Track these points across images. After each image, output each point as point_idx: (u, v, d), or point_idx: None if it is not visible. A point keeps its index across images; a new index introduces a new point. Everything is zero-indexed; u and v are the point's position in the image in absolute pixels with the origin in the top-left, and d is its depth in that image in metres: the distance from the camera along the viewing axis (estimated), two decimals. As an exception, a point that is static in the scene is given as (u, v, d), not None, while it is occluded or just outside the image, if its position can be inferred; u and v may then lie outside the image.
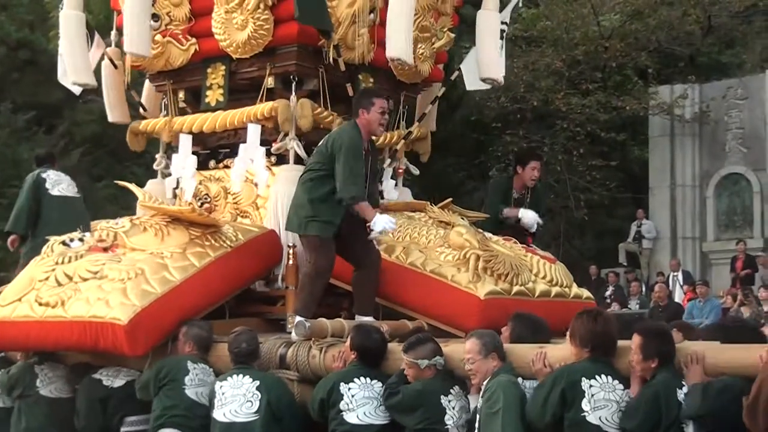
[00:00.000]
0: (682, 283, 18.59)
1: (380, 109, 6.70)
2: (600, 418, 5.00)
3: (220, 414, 5.99)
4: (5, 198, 16.21)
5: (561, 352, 5.29)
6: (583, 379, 5.04)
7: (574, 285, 7.27)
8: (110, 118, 8.57)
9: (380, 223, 6.44)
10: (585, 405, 5.00)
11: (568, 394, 5.02)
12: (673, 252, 20.57)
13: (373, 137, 6.88)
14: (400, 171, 8.23)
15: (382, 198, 7.51)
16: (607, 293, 18.91)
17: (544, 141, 21.16)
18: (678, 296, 18.17)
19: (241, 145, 7.35)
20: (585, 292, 7.37)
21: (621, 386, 5.09)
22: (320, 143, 6.73)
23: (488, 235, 7.22)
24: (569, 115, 20.71)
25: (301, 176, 6.75)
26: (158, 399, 6.25)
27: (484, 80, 8.08)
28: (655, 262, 20.80)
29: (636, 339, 5.03)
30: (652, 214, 21.18)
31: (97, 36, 8.21)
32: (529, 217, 8.26)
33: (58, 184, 8.92)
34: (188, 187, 7.62)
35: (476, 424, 5.29)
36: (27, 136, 18.22)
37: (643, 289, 19.19)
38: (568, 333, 5.35)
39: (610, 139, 21.30)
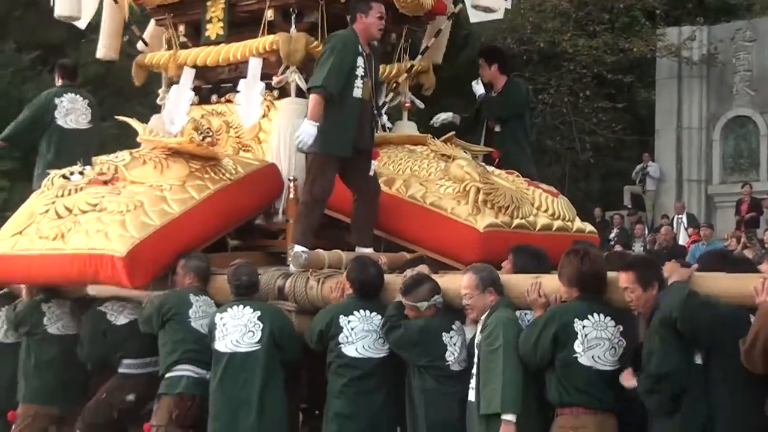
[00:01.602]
0: (686, 226, 18.57)
1: (378, 13, 6.62)
2: (593, 357, 5.00)
3: (221, 345, 6.01)
4: (11, 138, 16.19)
5: (556, 282, 5.27)
6: (576, 320, 5.03)
7: (577, 219, 7.19)
8: (99, 54, 8.51)
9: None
10: (577, 346, 4.99)
11: (561, 336, 5.01)
12: (678, 195, 20.55)
13: (374, 42, 6.80)
14: (407, 105, 8.17)
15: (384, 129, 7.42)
16: (611, 235, 18.93)
17: (551, 83, 21.07)
18: (682, 239, 18.18)
19: (242, 81, 7.30)
20: (588, 226, 7.30)
21: (612, 322, 5.08)
22: None
23: (490, 168, 7.19)
24: (576, 56, 20.60)
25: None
26: (165, 333, 6.27)
27: (476, 7, 7.91)
28: (660, 205, 20.79)
29: (628, 276, 4.94)
30: (658, 157, 21.13)
31: None
32: (476, 87, 8.25)
33: (69, 114, 8.55)
34: (179, 120, 7.59)
35: (475, 359, 5.30)
36: (31, 76, 18.12)
37: (647, 231, 19.18)
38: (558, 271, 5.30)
39: (616, 81, 21.21)
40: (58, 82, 8.84)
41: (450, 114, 8.41)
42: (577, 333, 5.00)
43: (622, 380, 4.91)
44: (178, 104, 7.65)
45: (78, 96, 8.65)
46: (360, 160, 6.59)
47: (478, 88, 8.28)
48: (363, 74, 6.51)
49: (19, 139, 8.84)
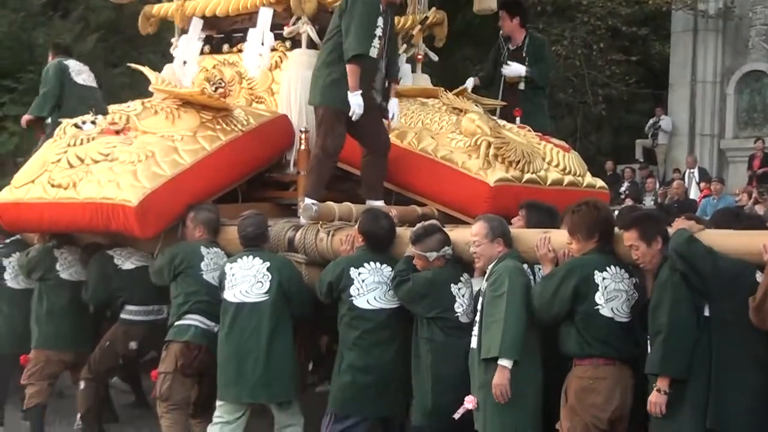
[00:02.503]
0: (698, 180, 18.51)
1: None
2: (612, 309, 5.02)
3: (230, 295, 6.03)
4: (21, 83, 16.16)
5: (565, 237, 5.26)
6: (596, 272, 5.04)
7: (588, 174, 7.21)
8: None
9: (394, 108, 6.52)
10: (599, 298, 5.01)
11: (582, 289, 5.02)
12: (691, 149, 20.43)
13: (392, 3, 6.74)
14: (419, 57, 8.15)
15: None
16: (622, 189, 18.87)
17: (564, 35, 20.86)
18: (693, 193, 18.12)
19: (251, 30, 7.27)
20: (598, 182, 7.32)
21: (627, 275, 5.11)
22: (337, 7, 6.62)
23: (501, 122, 7.16)
24: (590, 8, 20.36)
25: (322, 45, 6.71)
26: (177, 285, 6.31)
27: None
28: (672, 159, 20.70)
29: (631, 234, 4.96)
30: (671, 111, 20.98)
31: None
32: (512, 69, 8.21)
33: (80, 73, 8.99)
34: (189, 71, 7.57)
35: (479, 307, 5.31)
36: (42, 21, 18.02)
37: (658, 185, 19.14)
38: (567, 229, 5.26)
39: (631, 34, 20.98)
40: (53, 59, 9.16)
41: (470, 80, 8.37)
42: (597, 285, 5.02)
43: None
44: (187, 55, 7.64)
45: (79, 62, 9.11)
46: (369, 117, 6.56)
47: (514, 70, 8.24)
48: (381, 34, 6.47)
49: (53, 107, 8.91)
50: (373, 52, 6.44)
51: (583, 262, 5.10)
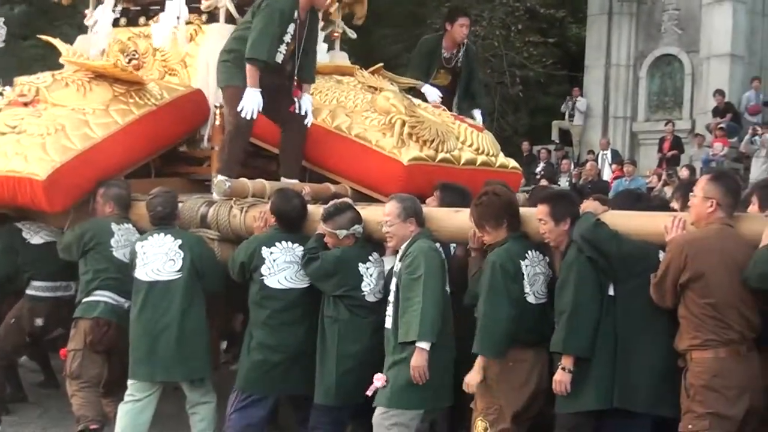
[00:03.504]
0: (610, 162, 18.84)
1: None
2: (534, 294, 5.05)
3: (142, 273, 5.94)
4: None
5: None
6: (520, 261, 5.05)
7: (501, 154, 7.24)
8: None
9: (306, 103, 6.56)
10: (525, 287, 5.03)
11: (517, 279, 5.01)
12: (604, 131, 20.78)
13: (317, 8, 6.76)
14: (336, 35, 8.10)
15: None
16: (538, 169, 19.12)
17: (483, 15, 21.04)
18: (606, 174, 18.45)
19: (168, 2, 7.18)
20: (511, 162, 7.35)
21: (541, 255, 5.15)
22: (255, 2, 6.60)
23: (416, 101, 7.17)
24: (509, -11, 20.58)
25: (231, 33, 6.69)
26: (86, 262, 6.20)
27: None
28: (586, 141, 21.03)
29: (543, 208, 4.99)
30: (586, 93, 21.30)
31: None
32: (430, 92, 8.01)
33: None
34: (101, 42, 7.46)
35: (392, 287, 5.31)
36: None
37: (572, 166, 19.43)
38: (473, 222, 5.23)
39: (548, 16, 21.25)
40: None
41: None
42: (523, 274, 5.04)
43: None
44: (101, 26, 7.52)
45: None
46: (278, 97, 6.57)
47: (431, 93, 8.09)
48: (289, 41, 6.49)
49: None
50: (279, 57, 6.48)
51: (506, 254, 5.05)
